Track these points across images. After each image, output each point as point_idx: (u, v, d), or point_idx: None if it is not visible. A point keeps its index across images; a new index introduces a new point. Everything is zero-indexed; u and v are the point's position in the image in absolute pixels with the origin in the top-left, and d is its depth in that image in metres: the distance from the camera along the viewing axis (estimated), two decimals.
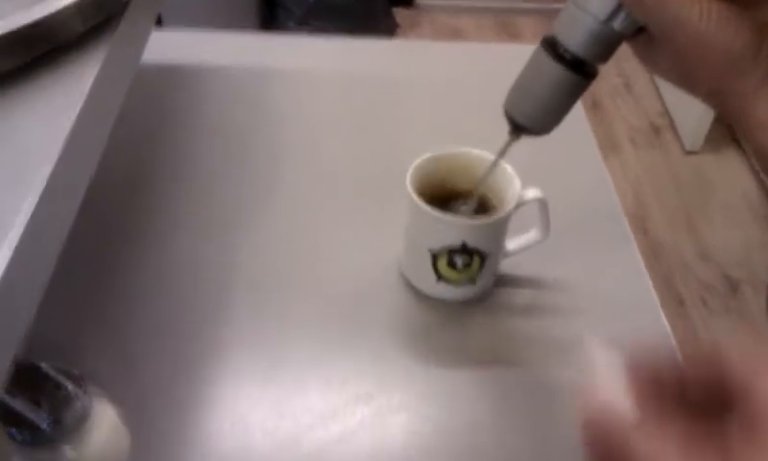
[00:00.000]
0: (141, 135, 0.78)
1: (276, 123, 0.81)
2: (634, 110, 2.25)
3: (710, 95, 0.38)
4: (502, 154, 0.50)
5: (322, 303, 0.62)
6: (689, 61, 0.37)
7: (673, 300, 1.72)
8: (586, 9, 0.39)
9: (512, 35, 2.56)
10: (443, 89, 0.87)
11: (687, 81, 0.39)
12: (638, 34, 0.39)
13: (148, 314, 0.60)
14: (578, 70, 0.41)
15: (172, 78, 0.86)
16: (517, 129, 0.45)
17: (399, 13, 2.50)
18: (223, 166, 0.75)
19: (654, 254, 1.82)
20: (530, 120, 0.44)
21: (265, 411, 0.53)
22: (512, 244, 0.63)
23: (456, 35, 2.53)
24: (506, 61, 0.89)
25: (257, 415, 0.53)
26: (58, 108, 0.38)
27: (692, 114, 2.07)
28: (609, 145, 2.15)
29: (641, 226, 1.89)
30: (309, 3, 2.16)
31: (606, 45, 0.40)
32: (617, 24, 0.39)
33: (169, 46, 0.88)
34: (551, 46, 0.41)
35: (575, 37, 0.40)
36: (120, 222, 0.68)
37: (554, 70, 0.41)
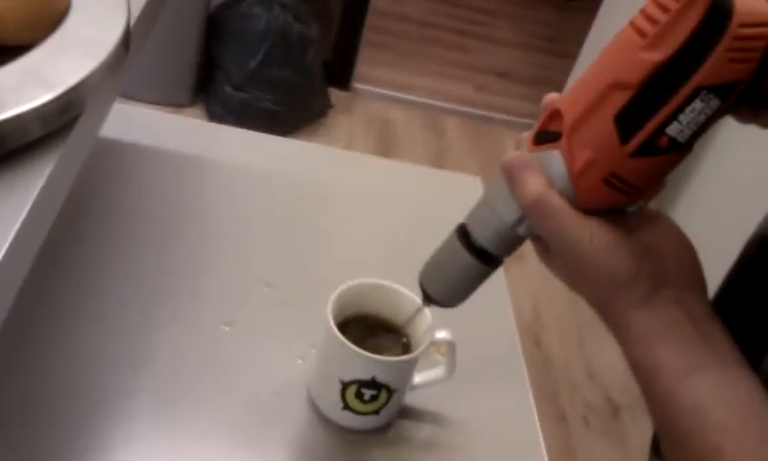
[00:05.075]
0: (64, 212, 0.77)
1: (204, 216, 0.82)
2: None
3: (593, 304, 0.43)
4: (416, 314, 0.54)
5: (227, 416, 0.62)
6: (578, 275, 0.42)
7: (557, 415, 1.80)
8: (495, 211, 0.44)
9: (438, 131, 2.67)
10: (377, 206, 0.91)
11: (576, 288, 0.43)
12: (540, 238, 0.44)
13: (53, 423, 0.59)
14: (484, 260, 0.46)
15: (104, 153, 0.85)
16: (428, 299, 0.50)
17: (334, 94, 2.56)
18: (144, 256, 0.75)
19: (544, 368, 1.90)
20: (439, 295, 0.49)
21: None
22: (418, 378, 0.66)
23: (385, 124, 2.62)
24: (441, 186, 0.93)
25: None
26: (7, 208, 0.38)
27: None
28: (514, 255, 2.25)
29: (535, 338, 1.98)
30: (249, 70, 2.18)
31: (510, 244, 0.45)
32: (521, 230, 0.44)
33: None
34: (463, 235, 0.46)
35: (483, 233, 0.45)
36: (25, 313, 0.66)
37: (463, 257, 0.46)
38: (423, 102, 2.76)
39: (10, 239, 0.37)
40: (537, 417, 0.70)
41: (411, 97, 2.76)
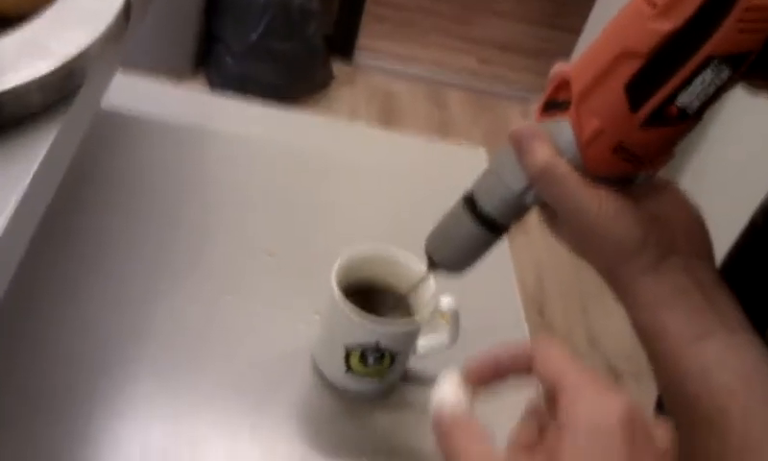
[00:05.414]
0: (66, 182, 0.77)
1: (206, 187, 0.82)
2: None
3: (601, 271, 0.43)
4: (420, 281, 0.55)
5: (230, 379, 0.63)
6: (585, 243, 0.42)
7: None
8: (502, 180, 0.44)
9: (440, 104, 2.66)
10: (380, 178, 0.90)
11: (583, 255, 0.43)
12: (546, 206, 0.44)
13: (54, 380, 0.59)
14: (491, 227, 0.45)
15: (106, 124, 0.85)
16: (434, 265, 0.50)
17: (337, 67, 2.54)
18: (146, 226, 0.75)
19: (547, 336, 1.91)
20: (445, 261, 0.49)
21: None
22: (421, 343, 0.66)
23: (388, 97, 2.60)
24: (444, 158, 0.93)
25: None
26: (7, 179, 0.38)
27: None
28: (518, 225, 2.25)
29: (539, 307, 1.99)
30: (250, 42, 2.17)
31: (516, 211, 0.45)
32: (528, 198, 0.44)
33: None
34: (470, 203, 0.46)
35: (490, 201, 0.45)
36: (27, 283, 0.67)
37: (470, 225, 0.46)
38: (426, 74, 2.74)
39: (11, 210, 0.37)
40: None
41: (414, 70, 2.74)
